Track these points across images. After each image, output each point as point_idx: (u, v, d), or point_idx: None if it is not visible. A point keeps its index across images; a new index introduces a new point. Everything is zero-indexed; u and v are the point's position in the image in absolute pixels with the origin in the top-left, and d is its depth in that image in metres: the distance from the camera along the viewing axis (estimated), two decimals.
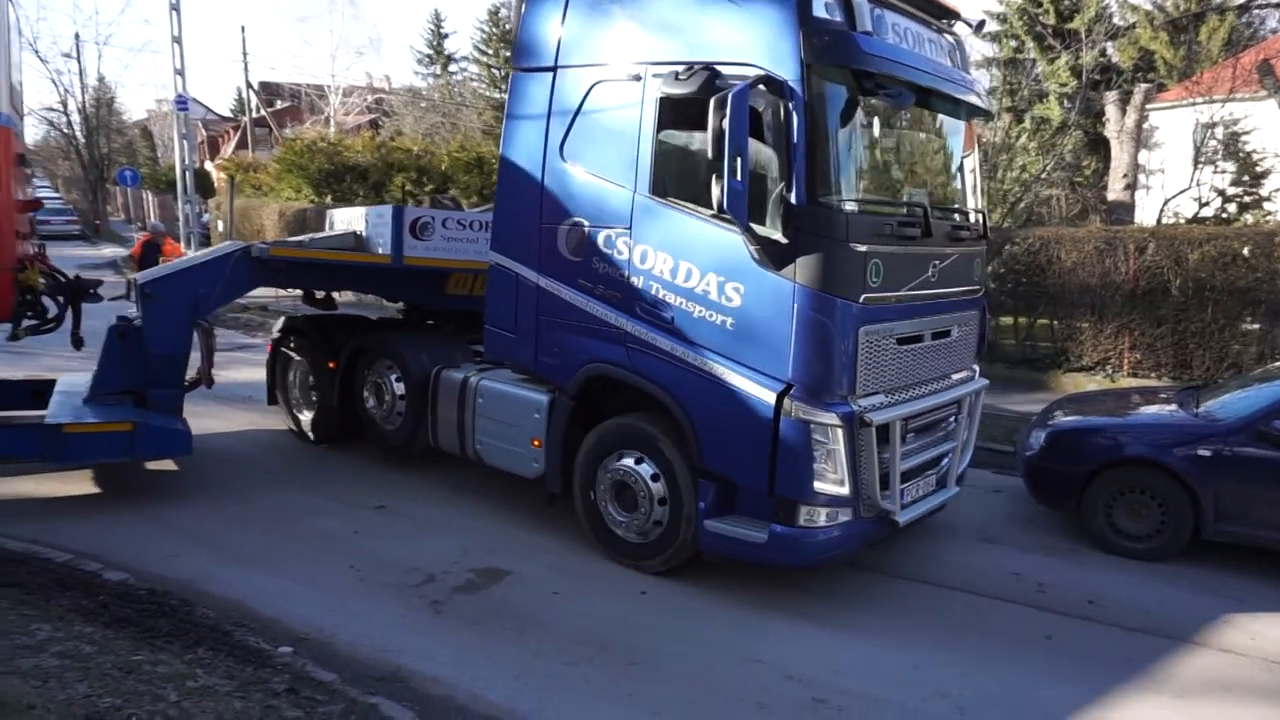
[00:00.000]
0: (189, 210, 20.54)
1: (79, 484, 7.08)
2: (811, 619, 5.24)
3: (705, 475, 5.43)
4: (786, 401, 5.06)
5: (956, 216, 6.22)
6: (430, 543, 6.15)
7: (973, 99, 6.09)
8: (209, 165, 44.22)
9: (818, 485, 5.11)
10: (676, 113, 5.35)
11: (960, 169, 6.43)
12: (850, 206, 5.19)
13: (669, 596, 5.48)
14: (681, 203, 5.38)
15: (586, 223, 5.81)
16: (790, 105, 4.96)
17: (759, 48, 5.06)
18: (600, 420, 5.97)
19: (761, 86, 4.94)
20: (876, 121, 5.66)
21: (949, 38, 6.13)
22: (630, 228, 5.59)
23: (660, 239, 5.47)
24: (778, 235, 5.01)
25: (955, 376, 6.19)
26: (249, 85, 38.96)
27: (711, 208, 5.01)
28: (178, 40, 19.54)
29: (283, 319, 9.05)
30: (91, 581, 5.19)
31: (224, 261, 7.55)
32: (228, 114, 59.86)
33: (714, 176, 4.92)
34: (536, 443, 6.21)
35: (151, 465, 7.54)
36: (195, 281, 7.33)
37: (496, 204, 6.68)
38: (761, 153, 5.04)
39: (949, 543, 6.51)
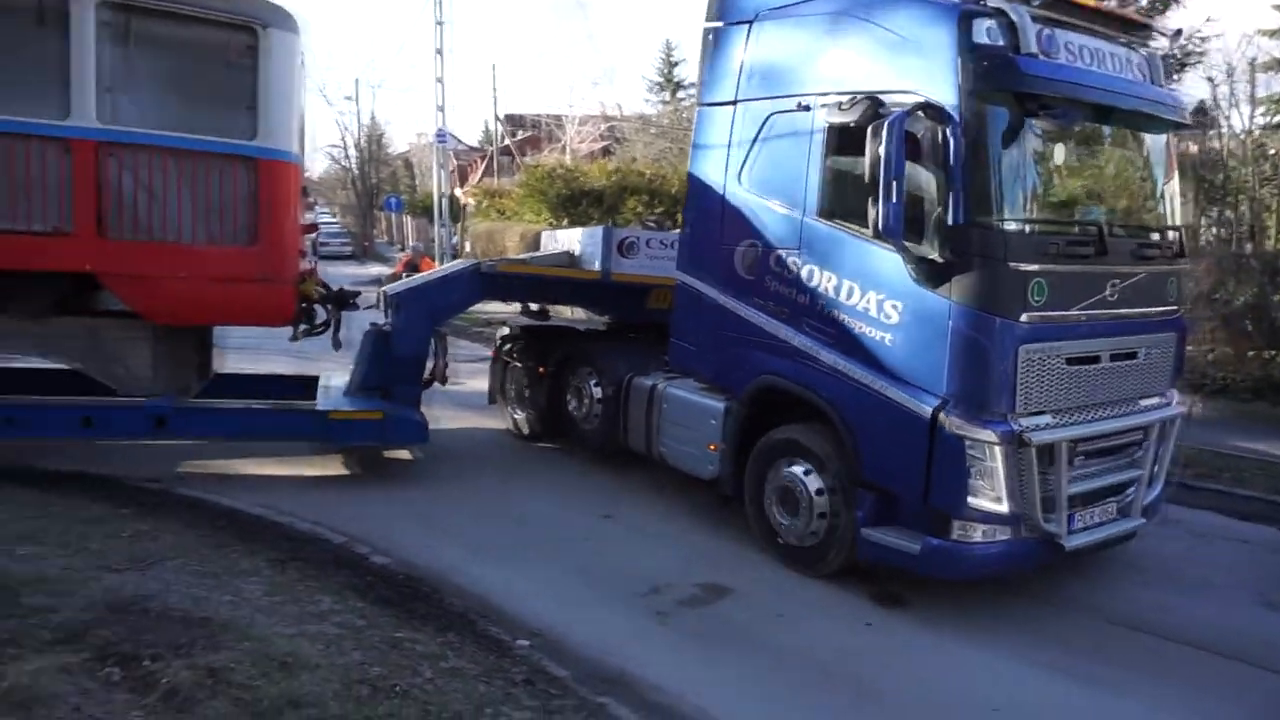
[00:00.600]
0: (443, 232, 22.53)
1: (351, 472, 7.96)
2: (1052, 668, 4.87)
3: (864, 485, 5.63)
4: (942, 416, 5.19)
5: (1144, 234, 6.14)
6: (654, 554, 6.33)
7: (1164, 113, 5.94)
8: (458, 192, 48.26)
9: (972, 501, 5.19)
10: (841, 140, 5.65)
11: (1153, 185, 6.34)
12: (1010, 226, 5.29)
13: (894, 628, 5.32)
14: (845, 225, 5.68)
15: (760, 244, 6.28)
16: (948, 130, 5.14)
17: (918, 75, 5.31)
18: (770, 428, 6.31)
19: (920, 113, 5.15)
20: (1046, 141, 5.68)
21: (1141, 51, 6.07)
22: (799, 248, 6.00)
23: (825, 259, 5.84)
24: (934, 255, 5.17)
25: (1144, 401, 6.00)
26: (497, 118, 42.13)
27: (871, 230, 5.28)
28: (440, 80, 21.59)
29: (503, 329, 9.97)
30: (361, 563, 5.81)
31: (458, 277, 8.78)
32: (475, 144, 65.15)
33: (871, 200, 5.17)
34: (713, 447, 6.70)
35: (402, 456, 8.36)
36: (434, 294, 8.49)
37: (683, 227, 7.41)
38: (921, 175, 5.22)
39: (1221, 604, 5.80)
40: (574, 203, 21.55)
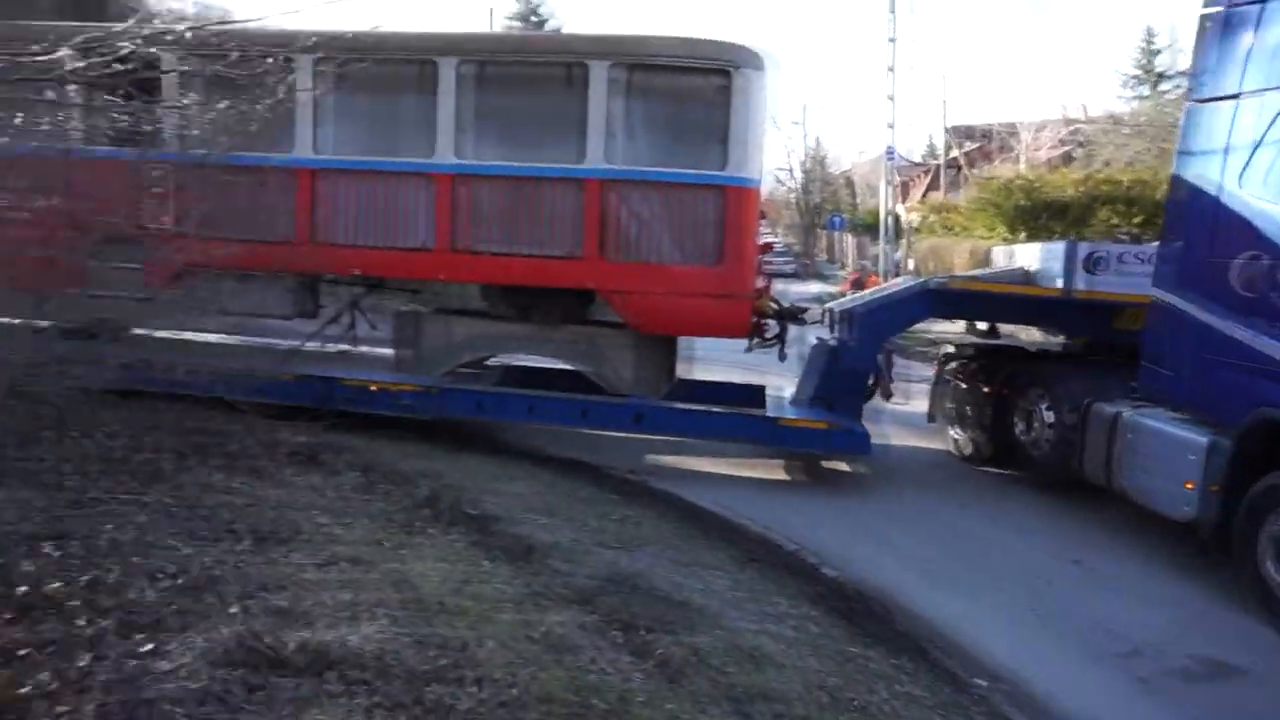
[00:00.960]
0: (888, 249, 22.36)
1: (794, 479, 8.28)
2: None
3: None
4: None
5: None
6: (1132, 611, 5.60)
7: None
8: (901, 208, 47.53)
9: None
10: None
11: None
12: None
13: None
14: None
15: (1269, 256, 5.56)
16: None
17: None
18: (1269, 470, 5.47)
19: None
20: None
21: None
22: None
23: None
24: None
25: None
26: (946, 130, 40.70)
27: None
28: (892, 98, 21.50)
29: (947, 347, 9.90)
30: (812, 572, 6.00)
31: (907, 294, 9.03)
32: (918, 160, 63.62)
33: None
34: (1190, 485, 5.98)
35: (840, 467, 8.50)
36: (882, 311, 8.79)
37: (1162, 239, 6.94)
38: None
39: None
40: (1033, 216, 19.92)
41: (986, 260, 19.22)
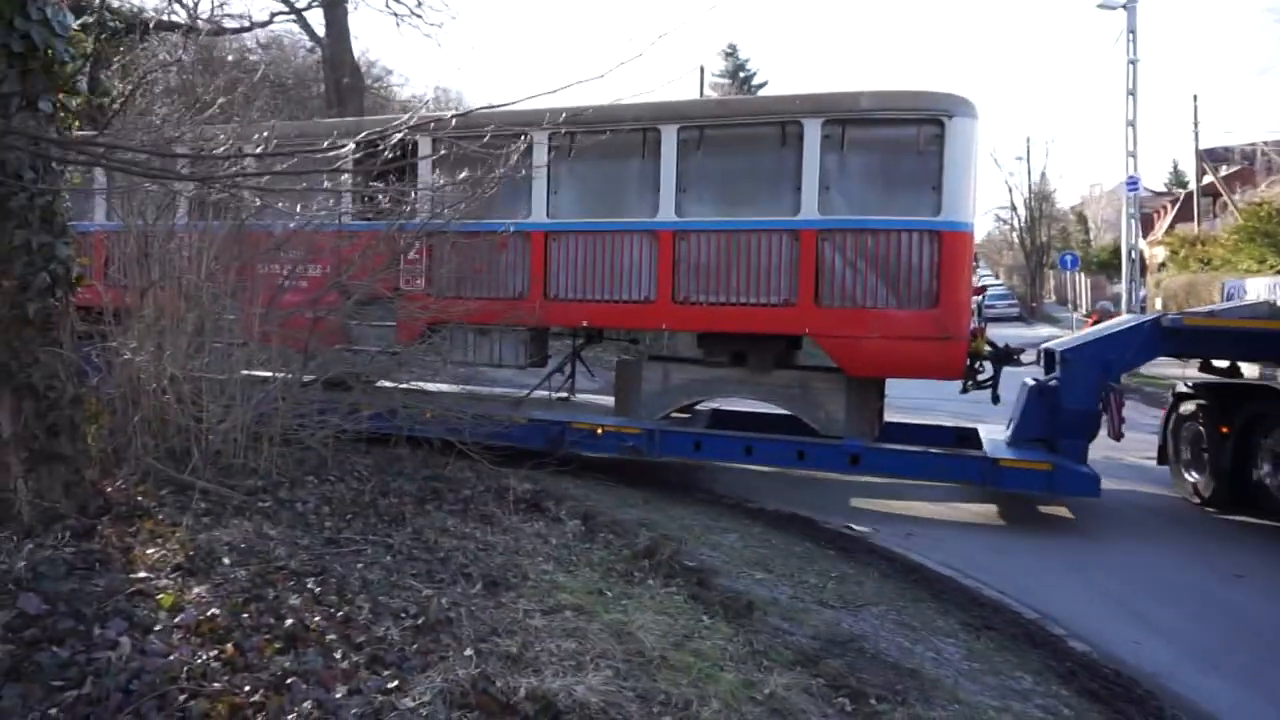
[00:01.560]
0: (1132, 287, 20.41)
1: (1027, 538, 7.57)
2: None
3: None
4: None
5: None
6: None
7: None
8: (1141, 243, 43.40)
9: None
10: None
11: None
12: None
13: None
14: None
15: None
16: None
17: None
18: None
19: None
20: None
21: None
22: None
23: None
24: None
25: None
26: (1199, 155, 36.91)
27: None
28: (1132, 124, 19.77)
29: (1180, 384, 9.55)
30: (1058, 645, 5.42)
31: (1135, 330, 8.77)
32: (1160, 189, 57.96)
33: None
34: None
35: (1062, 513, 7.65)
36: (1107, 348, 8.59)
37: None
38: None
39: None
40: None
41: (1225, 295, 17.43)
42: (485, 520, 5.60)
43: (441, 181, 8.66)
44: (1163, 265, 30.66)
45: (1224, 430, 8.48)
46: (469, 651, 3.47)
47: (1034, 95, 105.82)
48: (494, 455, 7.15)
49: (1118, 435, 8.42)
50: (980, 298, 10.53)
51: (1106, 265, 39.11)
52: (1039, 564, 7.04)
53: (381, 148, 6.06)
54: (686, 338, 9.43)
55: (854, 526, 7.75)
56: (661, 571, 4.98)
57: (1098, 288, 34.89)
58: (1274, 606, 6.17)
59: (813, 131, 8.27)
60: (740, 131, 8.87)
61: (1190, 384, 9.38)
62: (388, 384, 8.27)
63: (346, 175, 7.29)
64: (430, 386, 8.68)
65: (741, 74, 44.55)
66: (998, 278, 61.00)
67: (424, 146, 8.90)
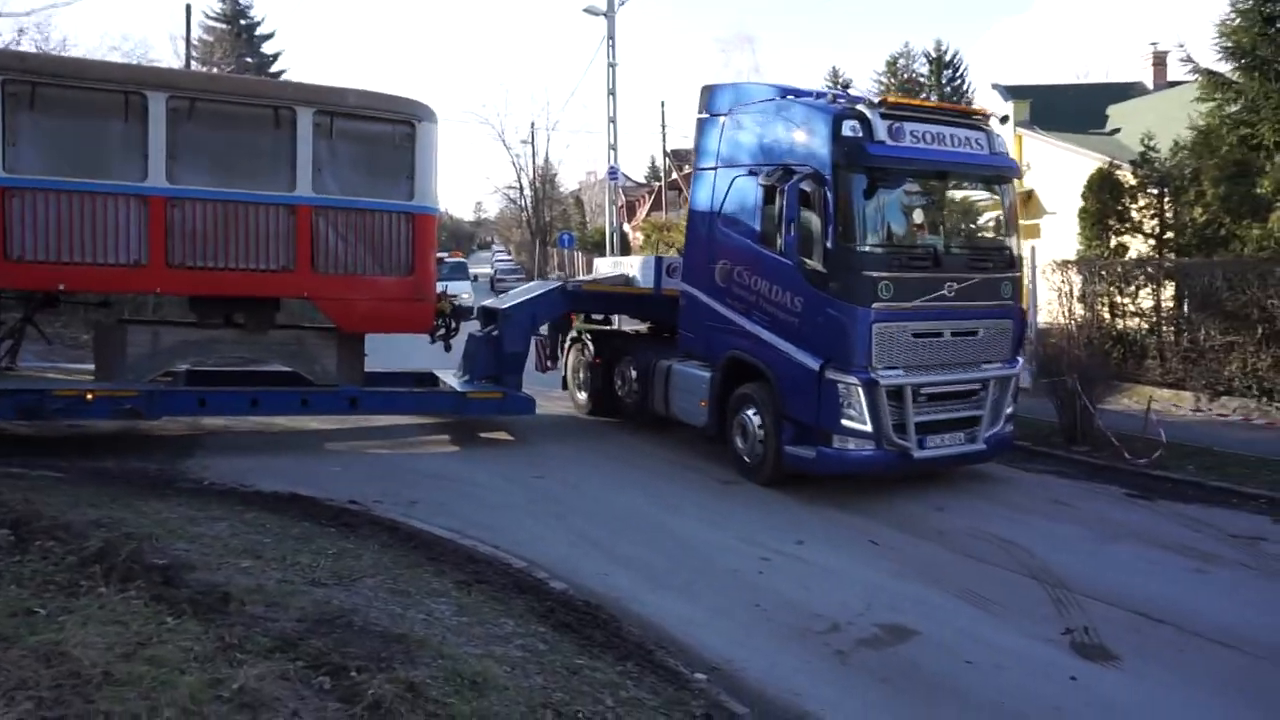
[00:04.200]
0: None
1: (521, 497, 8.23)
2: None
3: (785, 419, 8.50)
4: (825, 370, 8.11)
5: (978, 253, 9.10)
6: (833, 591, 6.14)
7: (988, 171, 8.96)
8: (626, 227, 49.50)
9: (844, 423, 8.05)
10: (769, 195, 8.62)
11: (983, 216, 9.55)
12: (865, 249, 8.14)
13: (1097, 685, 4.87)
14: (771, 249, 8.67)
15: (729, 262, 9.32)
16: (826, 189, 8.12)
17: (809, 155, 8.35)
18: (736, 387, 9.16)
19: (810, 180, 8.17)
20: (893, 194, 8.58)
21: (979, 129, 8.85)
22: (749, 265, 9.00)
23: (764, 272, 8.80)
24: (819, 266, 8.18)
25: (986, 365, 8.73)
26: (665, 154, 42.99)
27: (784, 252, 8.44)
28: (613, 120, 22.27)
29: (572, 332, 12.77)
30: (540, 587, 5.95)
31: (549, 293, 11.87)
32: (642, 180, 66.69)
33: (780, 232, 8.44)
34: (702, 403, 9.58)
35: (502, 437, 8.56)
36: (533, 306, 11.46)
37: (685, 252, 10.58)
38: (812, 218, 8.22)
39: None
40: None
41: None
42: None
43: None
44: (643, 246, 35.29)
45: (597, 361, 12.01)
46: None
47: (540, 85, 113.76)
48: None
49: (544, 369, 12.44)
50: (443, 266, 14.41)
51: (600, 245, 43.86)
52: (534, 520, 7.65)
53: None
54: (178, 301, 9.91)
55: (358, 501, 7.62)
56: (117, 576, 4.34)
57: (592, 264, 38.98)
58: (701, 531, 7.49)
59: (305, 119, 9.28)
60: (235, 109, 9.46)
61: (577, 330, 12.61)
62: None
63: None
64: None
65: (243, 20, 40.58)
66: (509, 253, 64.74)
67: None
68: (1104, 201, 15.22)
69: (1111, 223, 15.28)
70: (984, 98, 27.37)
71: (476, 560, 6.39)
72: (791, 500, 8.43)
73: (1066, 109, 22.52)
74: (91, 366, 9.93)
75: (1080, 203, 15.73)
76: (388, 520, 7.17)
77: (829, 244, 8.05)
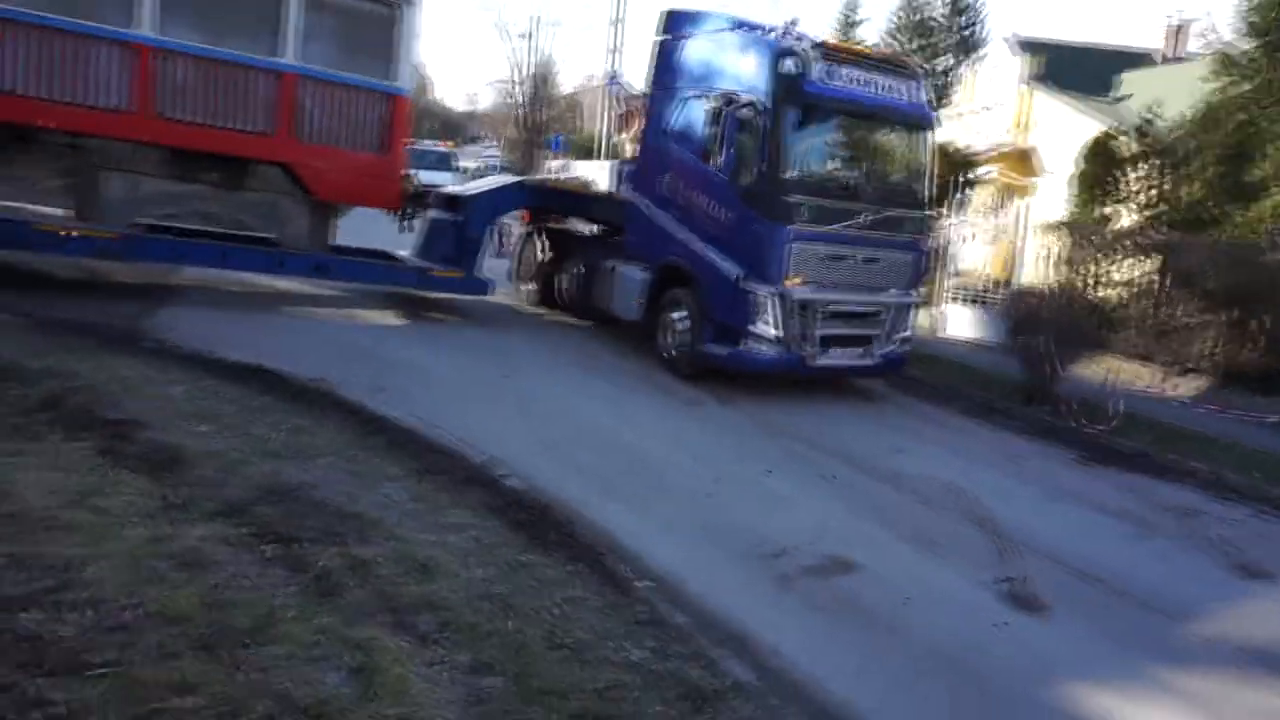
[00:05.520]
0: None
1: (483, 396, 8.22)
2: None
3: (707, 320, 9.51)
4: (743, 279, 9.14)
5: (891, 188, 9.97)
6: (783, 519, 6.23)
7: (908, 116, 9.95)
8: (622, 135, 48.44)
9: (754, 328, 9.13)
10: (713, 117, 9.43)
11: (903, 160, 10.33)
12: (789, 175, 9.11)
13: (1027, 635, 5.03)
14: (710, 165, 9.50)
15: (672, 174, 10.18)
16: (764, 119, 9.00)
17: (751, 86, 9.20)
18: (666, 289, 10.12)
19: (748, 107, 9.07)
20: (821, 129, 9.54)
21: (910, 79, 10.00)
22: (689, 178, 9.86)
23: (701, 186, 9.71)
24: (749, 186, 9.15)
25: (889, 290, 9.83)
26: None
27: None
28: (617, 23, 21.58)
29: (524, 226, 13.75)
30: (497, 484, 5.94)
31: (510, 186, 13.00)
32: (644, 89, 64.96)
33: (718, 152, 9.37)
34: (638, 301, 10.47)
35: (438, 316, 8.57)
36: (495, 197, 12.35)
37: (635, 161, 11.43)
38: (748, 142, 9.16)
39: None
40: None
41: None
42: None
43: None
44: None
45: (550, 256, 12.82)
46: None
47: None
48: None
49: (502, 256, 13.88)
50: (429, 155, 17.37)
51: (590, 151, 42.97)
52: (494, 416, 7.63)
53: None
54: (156, 153, 9.63)
55: (322, 379, 7.54)
56: (67, 424, 4.28)
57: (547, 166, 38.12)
58: (661, 449, 7.53)
59: None
60: None
61: (528, 226, 13.41)
62: None
63: None
64: None
65: None
66: (501, 151, 63.17)
67: None
68: (1098, 168, 15.12)
69: (1101, 191, 15.21)
70: (996, 48, 26.80)
71: (436, 450, 6.36)
72: (751, 427, 8.50)
73: (1080, 70, 22.15)
74: (56, 211, 9.78)
75: (1080, 166, 15.62)
76: (352, 402, 7.10)
77: (760, 167, 9.03)
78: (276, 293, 11.34)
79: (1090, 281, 14.22)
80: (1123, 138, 15.50)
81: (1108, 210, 15.33)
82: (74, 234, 9.06)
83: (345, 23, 10.12)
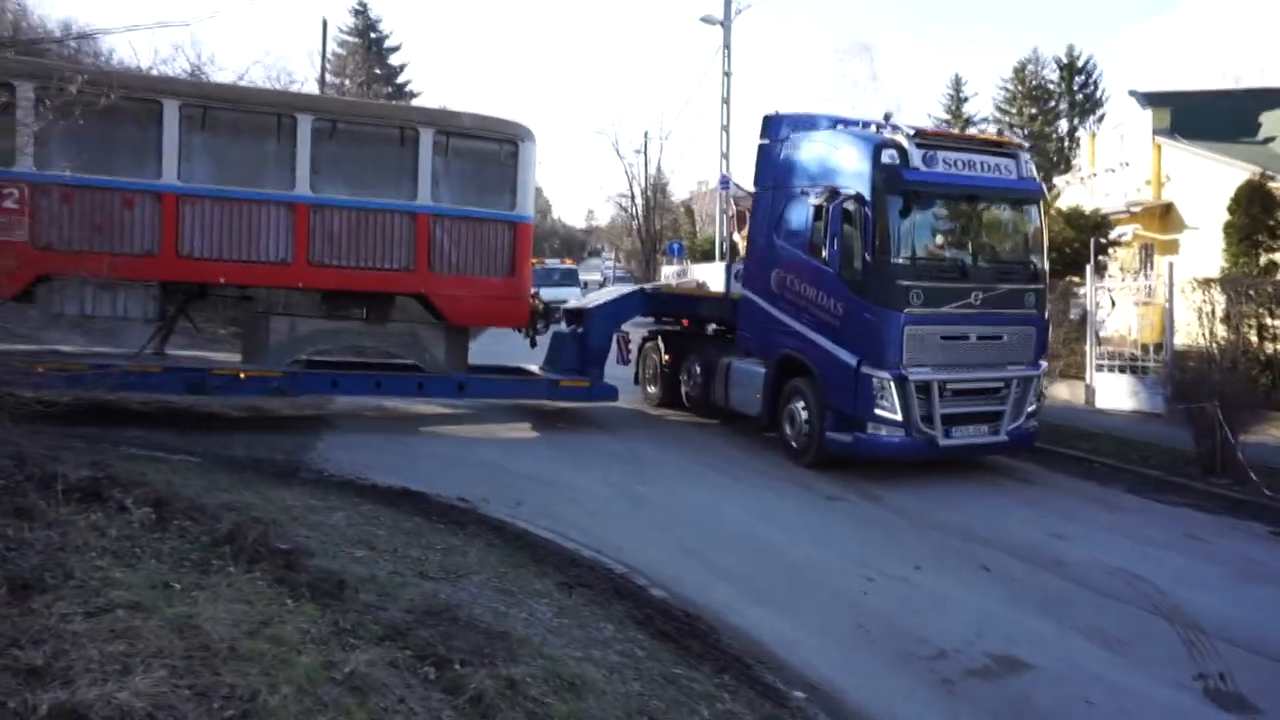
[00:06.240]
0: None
1: (620, 508, 8.28)
2: None
3: (827, 408, 9.59)
4: (862, 366, 9.22)
5: (1004, 265, 10.16)
6: (941, 616, 5.92)
7: (1011, 191, 10.08)
8: (735, 236, 49.22)
9: (877, 412, 9.15)
10: (818, 213, 9.79)
11: (1009, 234, 10.57)
12: (898, 261, 9.31)
13: None
14: (818, 258, 9.84)
15: (783, 270, 10.46)
16: (866, 208, 9.26)
17: (853, 179, 9.52)
18: (787, 381, 10.31)
19: (852, 200, 9.38)
20: (928, 213, 9.81)
21: (1009, 156, 10.08)
22: (800, 273, 10.15)
23: (811, 279, 9.98)
24: (858, 276, 9.35)
25: (1010, 366, 9.77)
26: None
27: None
28: (726, 128, 22.25)
29: (644, 332, 14.35)
30: (640, 595, 5.96)
31: (631, 295, 13.59)
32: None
33: (825, 245, 9.68)
34: (758, 395, 10.74)
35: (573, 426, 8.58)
36: (616, 307, 12.93)
37: (745, 261, 11.81)
38: (856, 233, 9.40)
39: None
40: None
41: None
42: (20, 514, 4.73)
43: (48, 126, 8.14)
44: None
45: (669, 359, 13.39)
46: None
47: (654, 94, 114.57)
48: (48, 440, 6.10)
49: (626, 363, 13.94)
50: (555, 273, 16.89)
51: (709, 254, 43.80)
52: (631, 525, 7.70)
53: None
54: (312, 295, 11.23)
55: (466, 499, 7.84)
56: (245, 557, 4.60)
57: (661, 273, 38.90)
58: (807, 550, 7.36)
59: (426, 138, 10.69)
60: (368, 129, 11.19)
61: (650, 330, 14.17)
62: None
63: None
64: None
65: (373, 34, 42.64)
66: (619, 260, 65.26)
67: (23, 90, 8.80)
68: (1253, 215, 14.19)
69: (1262, 238, 14.22)
70: (1119, 105, 25.94)
71: (578, 564, 6.46)
72: (897, 520, 8.19)
73: (1214, 116, 21.12)
74: (226, 357, 11.11)
75: (1226, 216, 14.72)
76: (494, 519, 7.34)
77: (867, 256, 9.24)
78: (415, 415, 12.03)
79: (1259, 337, 13.17)
80: (1278, 179, 14.56)
81: (1268, 259, 14.30)
82: (248, 375, 10.18)
83: (471, 163, 11.19)
